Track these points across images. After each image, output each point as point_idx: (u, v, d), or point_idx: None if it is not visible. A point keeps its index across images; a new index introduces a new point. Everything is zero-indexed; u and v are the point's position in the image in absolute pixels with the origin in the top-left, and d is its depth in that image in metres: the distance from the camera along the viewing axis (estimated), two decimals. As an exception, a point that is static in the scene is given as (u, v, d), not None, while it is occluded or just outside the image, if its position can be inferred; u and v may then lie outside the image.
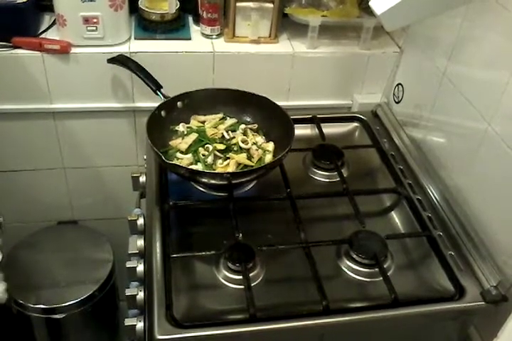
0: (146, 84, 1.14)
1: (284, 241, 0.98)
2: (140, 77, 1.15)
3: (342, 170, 1.13)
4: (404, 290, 0.90)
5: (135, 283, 1.01)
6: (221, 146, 1.06)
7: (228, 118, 1.15)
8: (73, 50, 1.19)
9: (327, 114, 1.30)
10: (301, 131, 1.19)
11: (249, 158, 1.06)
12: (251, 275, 0.91)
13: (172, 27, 1.27)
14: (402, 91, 1.27)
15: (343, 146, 1.18)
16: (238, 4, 1.22)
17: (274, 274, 0.94)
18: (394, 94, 1.31)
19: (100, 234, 1.52)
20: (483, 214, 0.99)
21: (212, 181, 1.02)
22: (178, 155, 1.07)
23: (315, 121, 1.25)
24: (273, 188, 1.09)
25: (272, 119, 1.13)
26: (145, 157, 1.16)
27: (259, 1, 1.21)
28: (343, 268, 0.96)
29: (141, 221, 1.06)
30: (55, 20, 1.21)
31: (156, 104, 1.10)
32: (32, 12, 1.21)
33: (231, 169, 1.03)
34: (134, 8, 1.26)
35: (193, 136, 1.08)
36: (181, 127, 1.12)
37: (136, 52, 1.21)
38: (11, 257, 1.45)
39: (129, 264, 0.99)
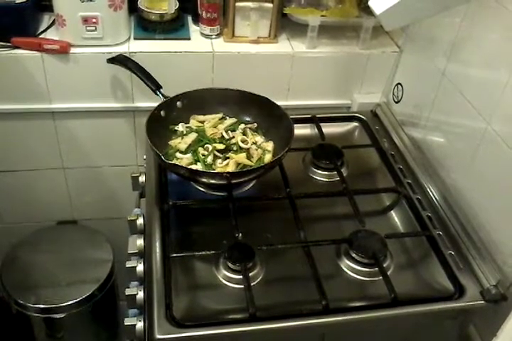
0: (146, 84, 1.15)
1: (284, 240, 0.98)
2: (139, 77, 1.15)
3: (341, 170, 1.13)
4: (403, 290, 0.90)
5: (135, 283, 1.01)
6: (221, 146, 1.06)
7: (228, 118, 1.15)
8: (72, 50, 1.19)
9: (327, 113, 1.30)
10: (300, 130, 1.19)
11: (249, 157, 1.06)
12: (251, 274, 0.91)
13: (171, 27, 1.27)
14: (402, 91, 1.27)
15: (342, 146, 1.18)
16: (237, 4, 1.22)
17: (274, 274, 0.94)
18: (393, 94, 1.31)
19: (100, 233, 1.52)
20: (483, 213, 0.99)
21: (212, 181, 1.02)
22: (178, 155, 1.07)
23: (314, 120, 1.25)
24: (273, 188, 1.09)
25: (272, 119, 1.13)
26: (144, 157, 1.16)
27: (259, 0, 1.21)
28: (343, 268, 0.96)
29: (140, 221, 1.06)
30: (54, 20, 1.21)
31: (156, 104, 1.10)
32: (31, 12, 1.20)
33: (230, 169, 1.03)
34: (133, 8, 1.26)
35: (193, 136, 1.09)
36: (181, 127, 1.12)
37: (135, 52, 1.21)
38: (10, 257, 1.45)
39: (128, 264, 0.99)
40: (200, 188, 1.09)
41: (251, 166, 1.04)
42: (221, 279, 0.92)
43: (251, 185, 1.10)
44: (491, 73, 0.96)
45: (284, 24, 1.30)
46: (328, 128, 1.24)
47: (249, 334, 0.85)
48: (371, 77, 1.33)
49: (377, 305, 0.89)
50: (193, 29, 1.30)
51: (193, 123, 1.13)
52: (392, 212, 1.10)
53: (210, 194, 1.08)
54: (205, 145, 1.07)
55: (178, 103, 1.13)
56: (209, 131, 1.10)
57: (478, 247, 0.96)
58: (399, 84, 1.29)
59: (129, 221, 1.07)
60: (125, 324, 0.94)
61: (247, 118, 1.16)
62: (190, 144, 1.07)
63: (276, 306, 0.89)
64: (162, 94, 1.13)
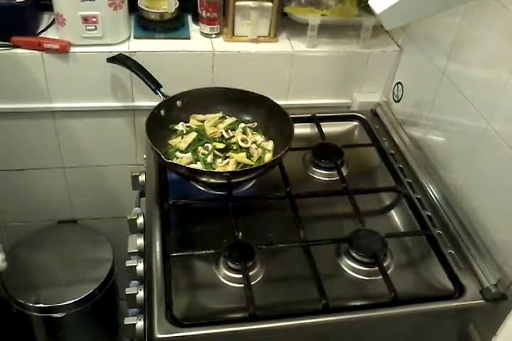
0: (146, 83, 1.14)
1: (284, 239, 0.98)
2: (139, 77, 1.15)
3: (342, 169, 1.13)
4: (403, 289, 0.90)
5: (135, 282, 1.01)
6: (221, 145, 1.06)
7: (228, 117, 1.15)
8: (72, 49, 1.19)
9: (327, 112, 1.30)
10: (300, 129, 1.19)
11: (249, 156, 1.06)
12: (251, 274, 0.91)
13: (171, 26, 1.27)
14: (402, 90, 1.27)
15: (342, 145, 1.18)
16: (237, 3, 1.22)
17: (274, 273, 0.94)
18: (393, 93, 1.31)
19: (100, 233, 1.52)
20: (483, 212, 0.99)
21: (212, 180, 1.02)
22: (178, 154, 1.07)
23: (314, 120, 1.25)
24: (273, 187, 1.09)
25: (272, 118, 1.13)
26: (144, 156, 1.16)
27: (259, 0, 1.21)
28: (343, 267, 0.96)
29: (140, 220, 1.06)
30: (54, 19, 1.21)
31: (156, 104, 1.10)
32: (31, 11, 1.20)
33: (231, 168, 1.03)
34: (133, 7, 1.26)
35: (193, 135, 1.09)
36: (181, 126, 1.12)
37: (135, 52, 1.20)
38: (10, 257, 1.44)
39: (128, 263, 0.99)
40: (200, 187, 1.09)
41: (251, 165, 1.04)
42: (221, 278, 0.92)
43: (251, 184, 1.10)
44: (490, 72, 0.96)
45: (284, 23, 1.30)
46: (328, 128, 1.24)
47: (249, 334, 0.85)
48: (371, 76, 1.32)
49: (377, 304, 0.89)
50: (193, 28, 1.30)
51: (193, 122, 1.13)
52: (392, 211, 1.10)
53: (210, 193, 1.08)
54: (205, 145, 1.07)
55: (178, 102, 1.13)
56: (209, 130, 1.10)
57: (478, 246, 0.96)
58: (399, 83, 1.29)
59: (129, 220, 1.07)
60: (125, 323, 0.94)
61: (247, 118, 1.16)
62: (190, 143, 1.07)
63: (276, 305, 0.89)
64: (162, 94, 1.13)
